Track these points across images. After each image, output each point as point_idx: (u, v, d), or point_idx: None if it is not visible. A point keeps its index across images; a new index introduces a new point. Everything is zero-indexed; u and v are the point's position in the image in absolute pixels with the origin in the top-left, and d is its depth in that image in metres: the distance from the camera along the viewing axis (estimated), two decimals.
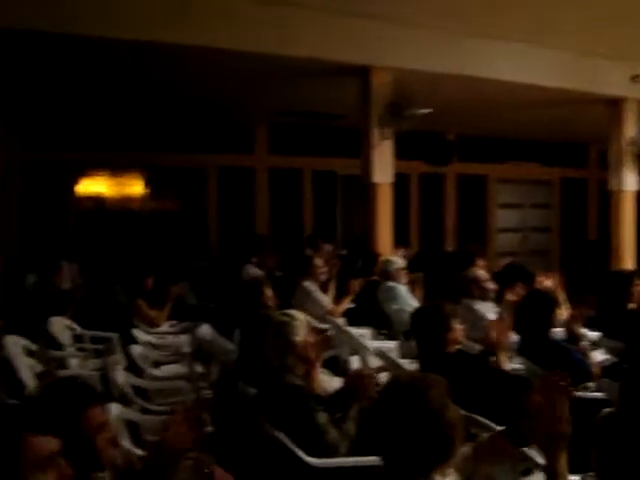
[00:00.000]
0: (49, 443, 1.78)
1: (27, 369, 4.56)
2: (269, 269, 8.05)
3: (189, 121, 10.52)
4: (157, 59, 7.12)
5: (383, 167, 7.62)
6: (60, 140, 9.98)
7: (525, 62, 8.16)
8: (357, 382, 3.41)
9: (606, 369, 4.39)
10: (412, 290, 6.59)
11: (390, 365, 4.58)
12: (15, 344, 4.75)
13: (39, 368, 4.70)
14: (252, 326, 4.24)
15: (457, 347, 3.94)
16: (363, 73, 7.56)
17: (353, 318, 6.36)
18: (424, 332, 3.88)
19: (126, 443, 3.26)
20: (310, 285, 6.47)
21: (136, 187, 10.63)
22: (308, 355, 3.52)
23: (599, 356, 4.80)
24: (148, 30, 6.36)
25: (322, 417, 3.28)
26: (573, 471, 2.83)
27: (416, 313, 4.08)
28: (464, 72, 7.85)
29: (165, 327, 6.29)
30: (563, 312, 5.99)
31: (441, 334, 3.81)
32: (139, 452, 3.17)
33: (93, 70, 7.51)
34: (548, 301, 4.48)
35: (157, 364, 5.37)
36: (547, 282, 6.00)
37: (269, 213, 11.24)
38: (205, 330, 5.72)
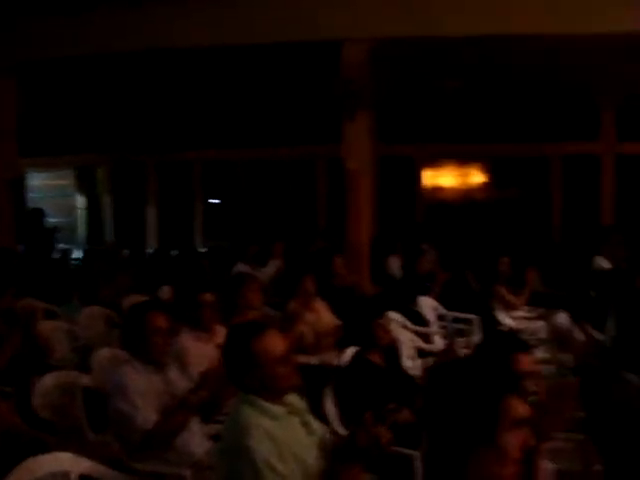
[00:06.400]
0: (523, 407, 1.89)
1: (407, 342, 5.02)
2: (618, 261, 7.73)
3: (530, 110, 10.45)
4: (503, 50, 7.27)
5: None
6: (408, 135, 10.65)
7: None
8: None
9: None
10: None
11: None
12: (394, 319, 5.24)
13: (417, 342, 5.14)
14: (630, 316, 4.20)
15: None
16: None
17: None
18: None
19: None
20: None
21: (479, 177, 10.93)
22: None
23: None
24: (491, 23, 6.58)
25: None
26: None
27: None
28: None
29: (522, 312, 6.44)
30: None
31: None
32: None
33: (444, 65, 7.90)
34: None
35: None
36: None
37: (614, 202, 10.74)
38: (562, 318, 5.75)
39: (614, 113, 10.66)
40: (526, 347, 2.69)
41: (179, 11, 7.09)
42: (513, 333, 2.87)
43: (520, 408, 1.87)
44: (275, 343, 2.57)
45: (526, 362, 2.61)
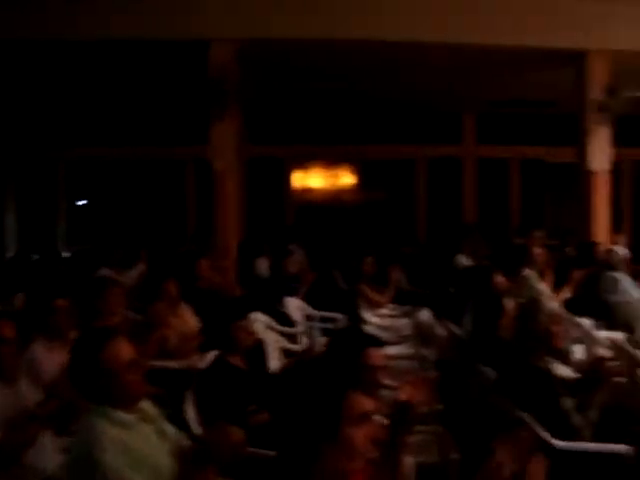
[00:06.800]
0: (367, 402, 1.94)
1: (272, 343, 5.01)
2: (479, 258, 8.10)
3: (397, 113, 10.77)
4: (371, 55, 7.44)
5: (600, 154, 7.43)
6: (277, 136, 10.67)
7: None
8: (599, 371, 3.46)
9: None
10: (637, 281, 6.39)
11: (624, 356, 4.52)
12: (259, 321, 5.22)
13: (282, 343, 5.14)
14: (485, 311, 4.38)
15: None
16: (579, 58, 7.41)
17: (572, 308, 6.27)
18: None
19: None
20: (530, 273, 6.47)
21: (347, 179, 11.12)
22: (552, 343, 3.59)
23: None
24: (363, 28, 6.75)
25: (567, 402, 3.35)
26: None
27: None
28: None
29: (387, 310, 6.60)
30: None
31: None
32: None
33: (313, 68, 7.98)
34: None
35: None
36: None
37: (476, 203, 11.28)
38: (425, 315, 5.95)
39: (475, 118, 11.21)
40: (377, 342, 2.74)
41: (33, 3, 6.76)
42: (363, 329, 2.93)
43: (365, 403, 1.90)
44: (123, 350, 2.47)
45: (377, 357, 2.66)
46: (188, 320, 5.00)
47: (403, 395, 2.55)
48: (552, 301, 6.29)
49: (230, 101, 6.94)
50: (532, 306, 3.59)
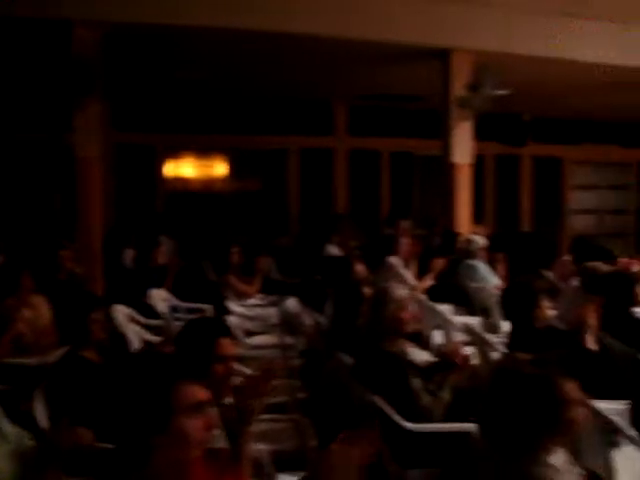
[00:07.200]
0: (199, 392, 1.93)
1: (134, 335, 4.91)
2: (349, 248, 8.27)
3: (271, 104, 10.78)
4: (239, 44, 7.38)
5: (462, 148, 7.74)
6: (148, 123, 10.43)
7: (608, 42, 8.08)
8: (454, 355, 3.62)
9: None
10: (494, 269, 6.73)
11: (477, 340, 4.75)
12: (121, 313, 5.11)
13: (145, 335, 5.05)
14: (344, 299, 4.48)
15: (546, 323, 4.08)
16: (443, 55, 7.68)
17: (434, 295, 6.53)
18: (514, 308, 4.03)
19: None
20: (396, 261, 6.68)
21: (220, 169, 11.02)
22: (402, 328, 3.71)
23: None
24: (232, 16, 6.69)
25: (416, 382, 3.48)
26: None
27: (507, 290, 4.23)
28: (546, 53, 7.85)
29: (255, 300, 6.61)
30: None
31: (530, 310, 3.95)
32: None
33: (180, 55, 7.84)
34: (628, 281, 4.54)
35: (249, 334, 5.69)
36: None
37: (348, 193, 11.49)
38: (291, 303, 6.02)
39: (347, 110, 11.41)
40: (227, 331, 2.75)
41: None
42: (217, 318, 2.94)
43: (198, 393, 1.90)
44: None
45: (228, 346, 2.67)
46: (43, 314, 4.80)
47: (247, 385, 2.59)
48: (416, 289, 6.56)
49: (94, 86, 6.70)
50: (381, 294, 3.70)
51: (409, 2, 7.18)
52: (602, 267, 5.08)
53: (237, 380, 3.00)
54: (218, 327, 2.77)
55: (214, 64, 8.36)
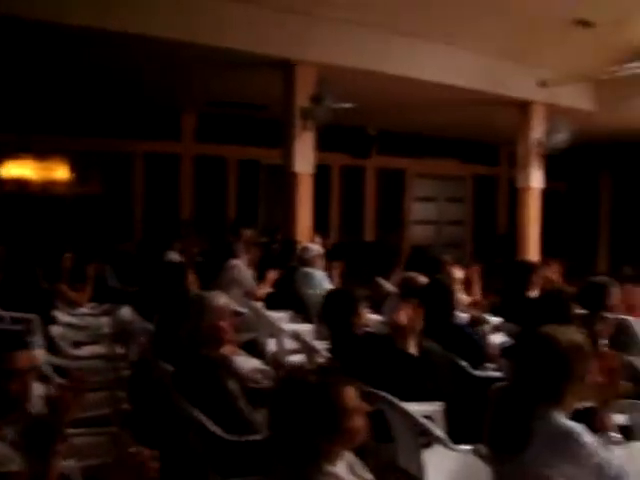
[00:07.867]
0: None
1: None
2: (191, 255, 8.20)
3: (116, 106, 10.51)
4: (86, 44, 7.15)
5: (304, 157, 7.87)
6: None
7: (444, 63, 8.55)
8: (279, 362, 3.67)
9: (504, 350, 4.76)
10: (331, 277, 6.90)
11: (304, 347, 4.86)
12: None
13: None
14: (170, 307, 4.43)
15: (366, 329, 4.24)
16: (287, 67, 7.79)
17: (272, 302, 6.62)
18: (334, 315, 4.16)
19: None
20: (239, 263, 6.70)
21: (61, 171, 10.58)
22: (221, 336, 3.71)
23: (498, 339, 5.19)
24: (80, 16, 6.44)
25: (233, 385, 3.48)
26: (467, 442, 3.20)
27: (327, 297, 4.35)
28: (385, 70, 8.18)
29: (86, 309, 6.40)
30: (469, 298, 6.46)
31: (349, 317, 4.09)
32: None
33: (18, 52, 7.47)
34: (449, 288, 4.83)
35: (78, 344, 5.49)
36: (459, 273, 6.38)
37: (193, 200, 11.41)
38: (125, 312, 5.86)
39: (195, 116, 11.35)
40: (22, 344, 2.65)
41: None
42: (11, 330, 2.83)
43: None
44: None
45: (22, 359, 2.57)
46: None
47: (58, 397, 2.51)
48: (254, 293, 6.64)
49: None
50: (198, 303, 3.70)
51: (248, 9, 7.21)
52: (419, 277, 5.35)
53: (50, 392, 2.91)
54: (10, 340, 2.64)
55: (57, 63, 8.03)
